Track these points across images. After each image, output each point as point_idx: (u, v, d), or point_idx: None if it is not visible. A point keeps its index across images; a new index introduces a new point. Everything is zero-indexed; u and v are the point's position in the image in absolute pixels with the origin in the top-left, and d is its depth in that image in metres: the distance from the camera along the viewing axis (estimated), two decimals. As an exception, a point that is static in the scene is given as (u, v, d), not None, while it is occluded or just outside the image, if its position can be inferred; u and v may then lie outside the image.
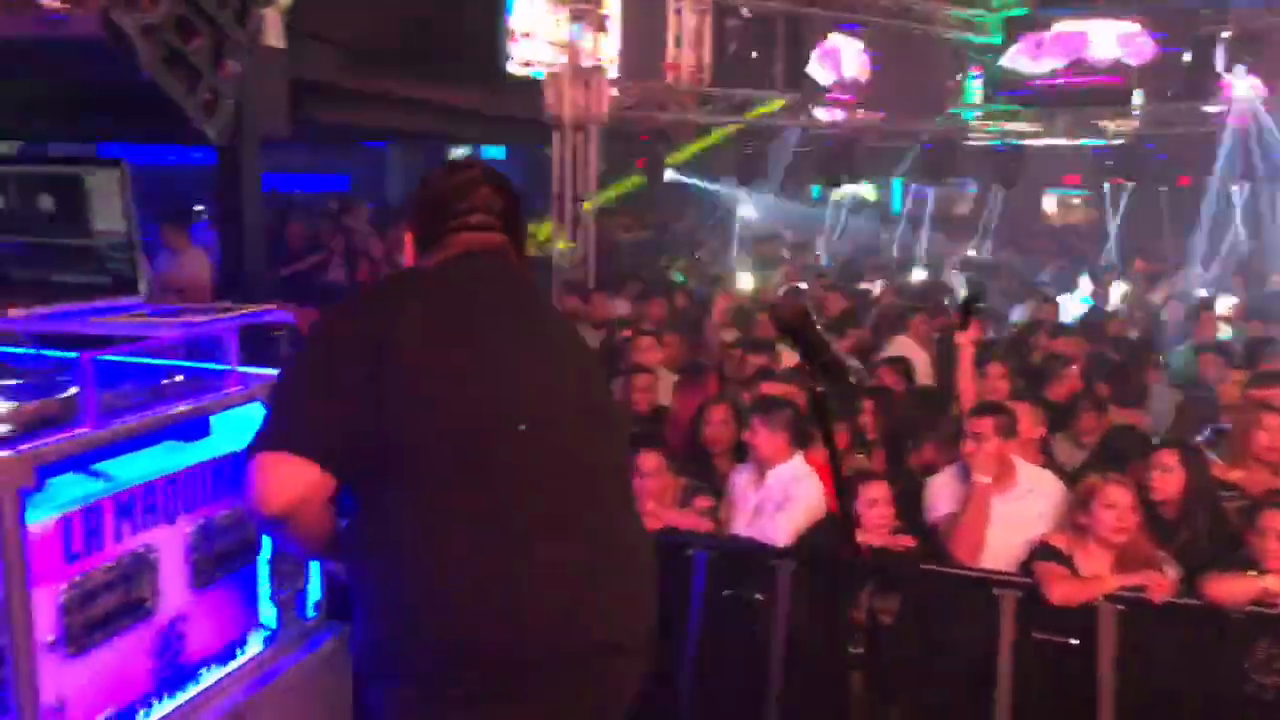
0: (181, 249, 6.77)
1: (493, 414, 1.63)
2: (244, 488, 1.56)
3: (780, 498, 3.86)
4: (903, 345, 6.16)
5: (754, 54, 10.89)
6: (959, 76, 12.47)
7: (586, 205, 8.79)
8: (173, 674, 1.83)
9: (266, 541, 2.03)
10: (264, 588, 2.05)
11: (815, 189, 14.13)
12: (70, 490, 1.64)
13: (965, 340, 4.39)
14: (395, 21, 7.77)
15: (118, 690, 1.72)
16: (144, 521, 1.76)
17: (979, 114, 12.32)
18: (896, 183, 15.08)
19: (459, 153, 15.78)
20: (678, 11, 9.66)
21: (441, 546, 1.57)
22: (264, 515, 1.56)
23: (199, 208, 9.47)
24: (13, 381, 1.77)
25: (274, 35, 5.76)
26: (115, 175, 2.09)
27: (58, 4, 2.44)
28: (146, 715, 1.78)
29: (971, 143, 12.33)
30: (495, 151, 15.30)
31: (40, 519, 1.55)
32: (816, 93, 11.23)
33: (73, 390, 1.70)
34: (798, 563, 3.57)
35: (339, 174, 15.36)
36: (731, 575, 3.66)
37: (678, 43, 9.67)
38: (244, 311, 2.09)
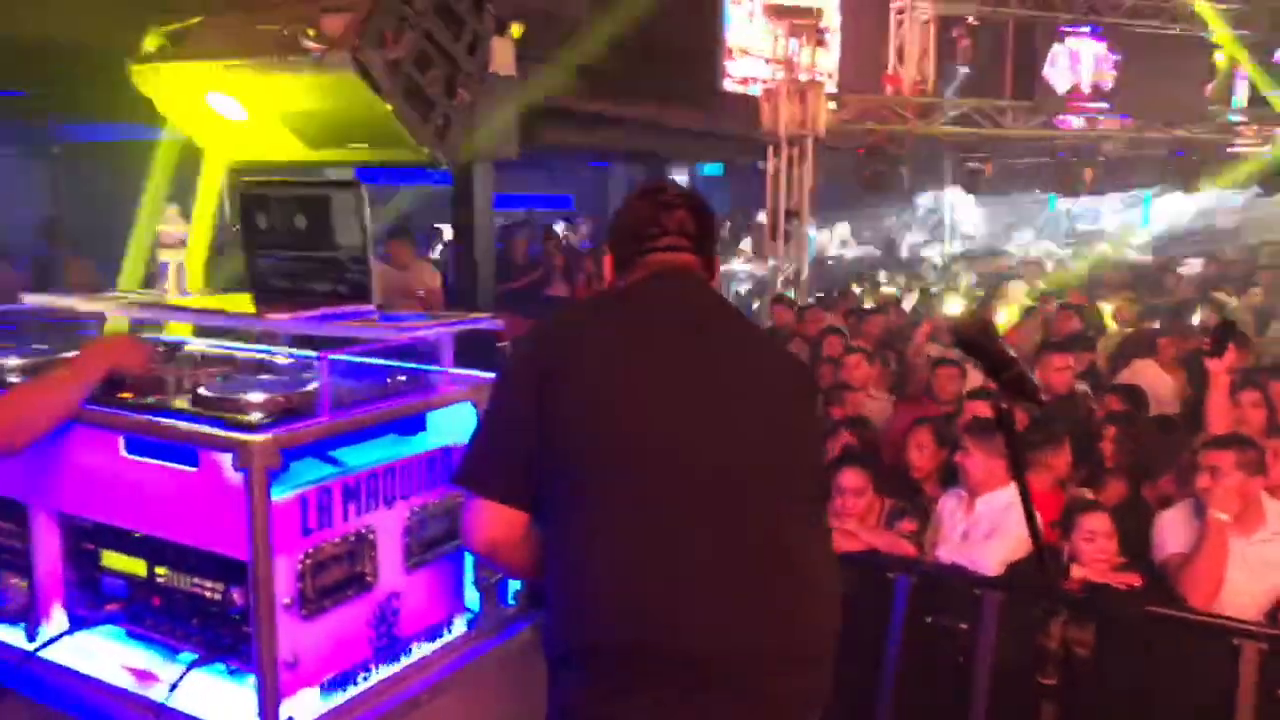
0: (407, 263, 7.37)
1: (652, 433, 1.70)
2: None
3: (990, 525, 3.70)
4: (1145, 369, 5.70)
5: (981, 63, 10.43)
6: (1215, 77, 11.33)
7: None
8: (387, 645, 2.02)
9: (473, 531, 2.20)
10: (469, 574, 2.22)
11: (1050, 201, 13.31)
12: (307, 473, 1.86)
13: (1219, 369, 4.00)
14: (619, 45, 8.09)
15: (341, 654, 1.92)
16: (367, 504, 1.95)
17: (1244, 117, 11.14)
18: (1145, 196, 13.91)
19: (677, 172, 16.08)
20: (900, 23, 9.42)
21: (602, 558, 1.67)
22: (472, 551, 1.84)
23: (444, 226, 10.24)
24: (267, 377, 2.03)
25: (506, 64, 6.18)
26: (354, 195, 2.34)
27: (316, 45, 2.72)
28: (365, 679, 1.97)
29: (1236, 149, 11.17)
30: (713, 169, 15.51)
31: (283, 495, 1.77)
32: (1052, 99, 10.58)
33: (313, 385, 1.92)
34: (1005, 594, 3.40)
35: (564, 193, 16.15)
36: (934, 602, 3.53)
37: (899, 54, 9.42)
38: (459, 319, 2.28)
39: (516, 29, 6.37)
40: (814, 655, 1.71)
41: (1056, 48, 10.37)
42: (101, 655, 2.02)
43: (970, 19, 9.94)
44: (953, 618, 3.50)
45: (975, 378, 5.01)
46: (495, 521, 1.74)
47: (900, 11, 9.09)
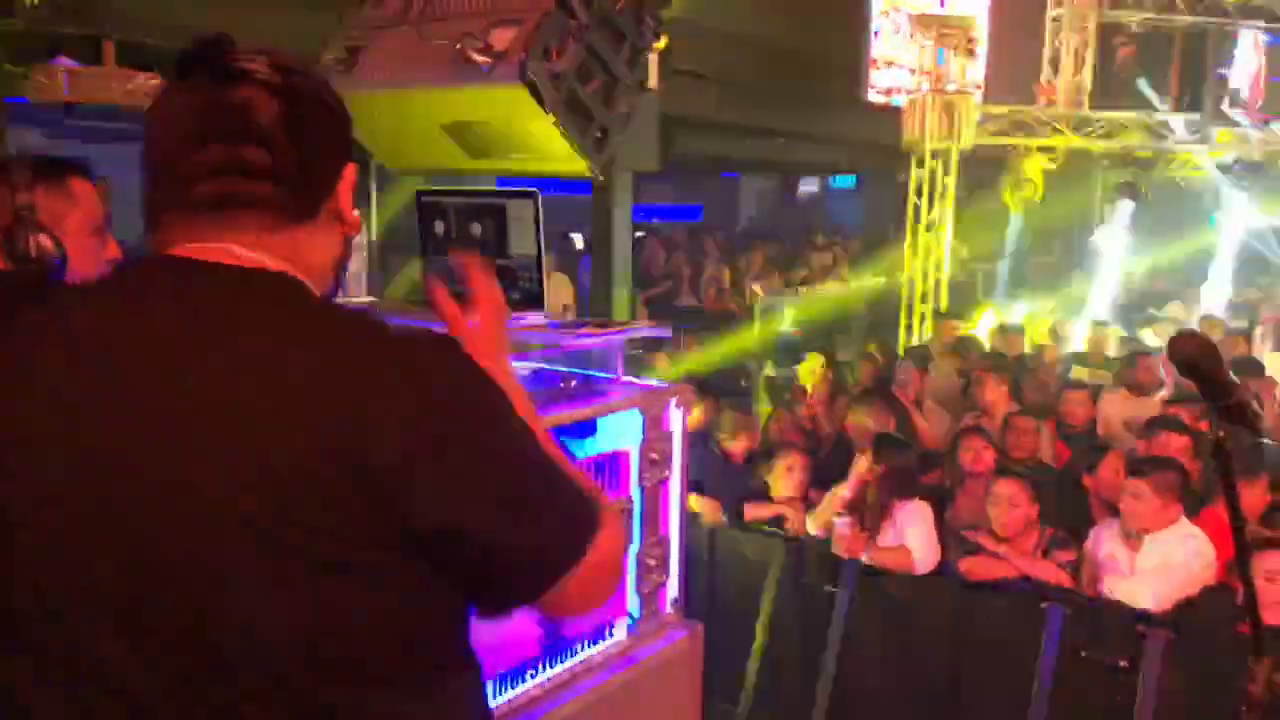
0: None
1: (36, 483, 0.96)
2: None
3: (1158, 561, 3.56)
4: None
5: (1143, 73, 9.91)
6: None
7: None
8: (555, 645, 2.06)
9: (636, 537, 2.23)
10: (630, 579, 2.25)
11: (1211, 220, 12.53)
12: (489, 472, 1.91)
13: None
14: (761, 55, 8.07)
15: (513, 650, 1.97)
16: (542, 505, 2.00)
17: None
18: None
19: (807, 182, 15.89)
20: (1056, 31, 9.05)
21: None
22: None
23: (576, 235, 10.42)
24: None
25: (649, 75, 6.24)
26: (530, 204, 2.40)
27: (484, 59, 2.80)
28: (533, 677, 2.02)
29: None
30: (845, 180, 15.31)
31: (467, 494, 1.83)
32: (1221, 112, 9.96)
33: (494, 387, 1.99)
34: (1173, 632, 3.24)
35: (692, 204, 16.21)
36: (1090, 636, 3.40)
37: (1054, 64, 9.05)
38: (631, 326, 2.32)
39: (662, 40, 6.44)
40: None
41: (1231, 59, 9.70)
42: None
43: (1135, 26, 9.43)
44: (1112, 653, 3.36)
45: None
46: None
47: (1057, 19, 8.70)
